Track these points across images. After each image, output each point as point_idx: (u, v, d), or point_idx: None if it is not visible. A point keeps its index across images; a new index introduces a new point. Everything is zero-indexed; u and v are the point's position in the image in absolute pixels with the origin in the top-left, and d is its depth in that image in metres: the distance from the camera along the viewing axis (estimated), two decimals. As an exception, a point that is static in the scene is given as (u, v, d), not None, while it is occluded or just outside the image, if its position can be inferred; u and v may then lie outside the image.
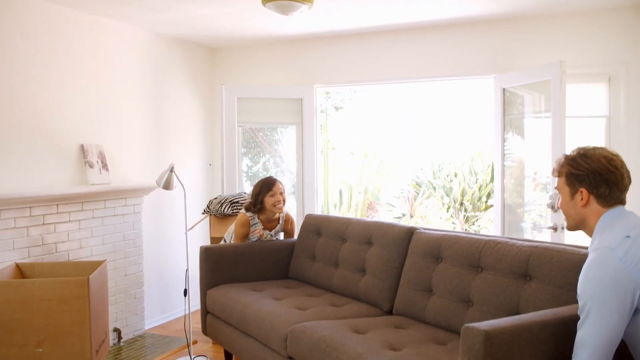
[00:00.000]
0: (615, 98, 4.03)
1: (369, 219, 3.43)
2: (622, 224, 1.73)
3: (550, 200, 3.75)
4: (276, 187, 3.66)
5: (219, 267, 3.56)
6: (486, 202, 7.73)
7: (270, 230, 3.84)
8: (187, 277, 3.96)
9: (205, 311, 3.55)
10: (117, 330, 4.26)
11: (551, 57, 4.07)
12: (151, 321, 4.74)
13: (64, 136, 3.98)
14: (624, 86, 3.98)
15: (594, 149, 1.84)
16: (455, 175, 8.25)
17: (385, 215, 8.65)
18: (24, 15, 3.70)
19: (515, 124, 4.31)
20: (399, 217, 8.47)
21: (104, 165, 4.20)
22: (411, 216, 8.19)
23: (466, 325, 1.69)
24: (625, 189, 1.80)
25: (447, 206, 8.07)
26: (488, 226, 7.45)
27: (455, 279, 2.54)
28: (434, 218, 8.14)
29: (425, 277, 2.72)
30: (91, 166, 4.09)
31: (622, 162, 1.81)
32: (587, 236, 1.88)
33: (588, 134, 4.24)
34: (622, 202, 1.81)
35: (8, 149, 3.60)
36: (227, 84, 5.07)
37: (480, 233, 2.93)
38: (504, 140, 4.34)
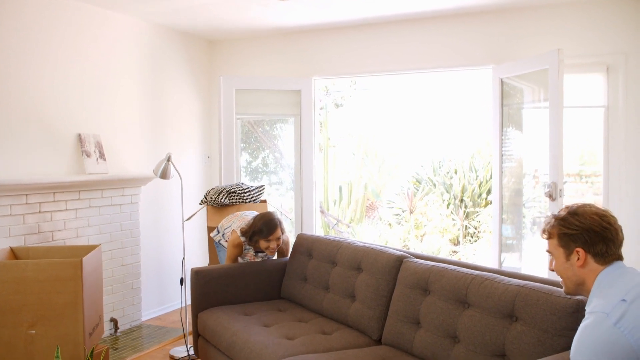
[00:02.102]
0: (613, 88, 4.02)
1: (359, 243, 3.39)
2: (619, 285, 1.65)
3: (548, 189, 3.74)
4: (274, 235, 3.49)
5: (210, 288, 3.50)
6: (486, 198, 7.71)
7: (261, 253, 3.76)
8: (183, 266, 3.95)
9: (196, 334, 3.53)
10: (114, 321, 4.25)
11: (549, 47, 4.06)
12: (148, 312, 4.72)
13: (61, 125, 3.98)
14: (623, 76, 3.97)
15: (583, 206, 1.77)
16: (456, 172, 8.24)
17: (385, 212, 8.63)
18: (21, 4, 3.70)
19: (513, 116, 4.29)
20: (398, 214, 8.46)
21: (102, 155, 4.20)
22: (411, 212, 8.18)
23: None
24: (620, 244, 1.73)
25: (447, 202, 8.05)
26: (487, 221, 7.44)
27: (443, 313, 2.56)
28: (434, 214, 8.13)
29: (414, 309, 2.73)
30: (88, 155, 4.09)
31: (614, 218, 1.75)
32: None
33: (586, 123, 4.23)
34: (620, 257, 1.74)
35: (5, 137, 3.60)
36: (225, 75, 5.07)
37: (469, 264, 2.93)
38: (502, 131, 4.33)
